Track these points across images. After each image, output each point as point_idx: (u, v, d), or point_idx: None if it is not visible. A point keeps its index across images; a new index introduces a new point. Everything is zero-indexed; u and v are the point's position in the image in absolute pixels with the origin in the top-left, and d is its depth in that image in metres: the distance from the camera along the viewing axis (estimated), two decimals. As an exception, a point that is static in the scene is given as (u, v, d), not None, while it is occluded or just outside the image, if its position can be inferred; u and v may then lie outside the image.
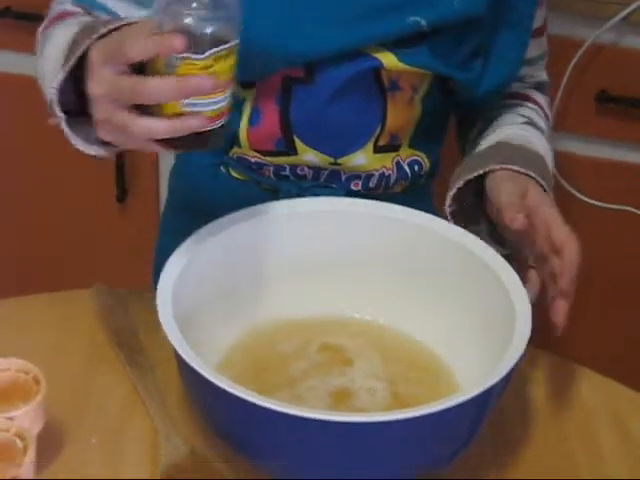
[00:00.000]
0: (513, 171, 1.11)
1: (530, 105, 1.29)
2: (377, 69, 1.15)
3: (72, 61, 0.94)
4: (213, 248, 1.05)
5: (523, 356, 0.93)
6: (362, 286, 1.13)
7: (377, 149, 1.21)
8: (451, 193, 1.13)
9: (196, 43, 0.86)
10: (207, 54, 0.87)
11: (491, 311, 1.03)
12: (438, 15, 1.13)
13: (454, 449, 0.94)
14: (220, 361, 1.05)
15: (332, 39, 1.12)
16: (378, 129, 1.20)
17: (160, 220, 1.42)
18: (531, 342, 0.95)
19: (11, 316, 1.16)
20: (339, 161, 1.21)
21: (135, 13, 1.17)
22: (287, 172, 1.22)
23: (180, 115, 0.89)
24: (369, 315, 1.13)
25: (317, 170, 1.22)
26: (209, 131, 0.91)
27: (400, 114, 1.20)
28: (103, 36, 0.94)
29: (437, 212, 1.13)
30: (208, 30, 0.87)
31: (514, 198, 1.07)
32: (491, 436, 1.02)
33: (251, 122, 1.20)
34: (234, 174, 1.26)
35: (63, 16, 1.13)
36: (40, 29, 1.14)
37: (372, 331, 1.11)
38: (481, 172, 1.12)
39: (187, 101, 0.88)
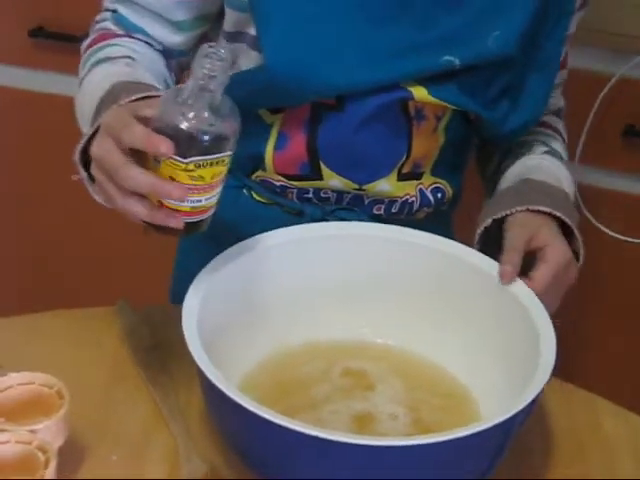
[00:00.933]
0: (539, 212, 1.12)
1: (550, 132, 1.30)
2: (406, 99, 1.16)
3: (92, 130, 0.98)
4: (238, 270, 1.05)
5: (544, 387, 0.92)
6: (385, 311, 1.13)
7: (401, 177, 1.22)
8: (479, 231, 1.14)
9: (184, 146, 0.89)
10: (190, 160, 0.90)
11: (514, 339, 1.03)
12: (472, 55, 1.14)
13: (476, 476, 0.93)
14: (242, 383, 1.05)
15: (368, 74, 1.13)
16: (404, 157, 1.20)
17: (178, 241, 1.42)
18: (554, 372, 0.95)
19: (36, 330, 1.16)
20: (364, 187, 1.21)
21: (173, 38, 1.19)
22: (310, 195, 1.23)
23: (160, 204, 0.92)
24: (392, 340, 1.13)
25: (340, 194, 1.22)
26: (188, 223, 0.94)
27: (424, 143, 1.21)
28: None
29: (457, 238, 1.13)
30: (198, 138, 0.90)
31: (518, 242, 1.08)
32: (512, 465, 1.01)
33: (277, 146, 1.21)
34: (256, 197, 1.26)
35: (105, 37, 1.18)
36: (84, 45, 1.20)
37: (395, 356, 1.11)
38: (508, 213, 1.12)
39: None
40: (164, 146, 0.88)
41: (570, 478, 1.04)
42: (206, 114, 0.90)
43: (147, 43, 1.20)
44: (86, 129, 1.04)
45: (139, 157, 0.92)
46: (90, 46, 1.18)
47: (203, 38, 1.24)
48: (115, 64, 1.13)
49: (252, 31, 1.15)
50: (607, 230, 1.80)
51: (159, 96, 0.97)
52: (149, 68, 1.15)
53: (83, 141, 0.99)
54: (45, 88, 1.92)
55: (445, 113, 1.20)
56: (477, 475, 0.93)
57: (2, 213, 2.11)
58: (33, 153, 2.03)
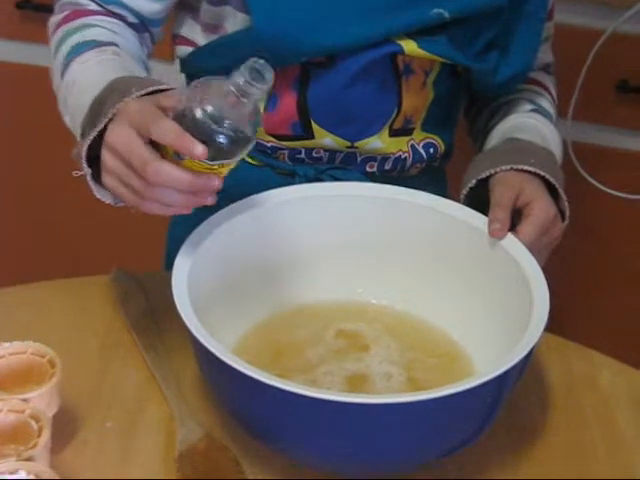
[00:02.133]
0: (523, 171, 1.11)
1: (537, 89, 1.30)
2: (395, 54, 1.15)
3: (101, 125, 0.96)
4: (228, 233, 1.04)
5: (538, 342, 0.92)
6: (379, 272, 1.12)
7: (392, 133, 1.21)
8: (464, 191, 1.13)
9: (211, 151, 0.90)
10: (216, 162, 0.91)
11: (509, 297, 1.02)
12: (461, 6, 1.14)
13: (471, 433, 0.93)
14: (235, 346, 1.05)
15: (358, 31, 1.13)
16: (394, 112, 1.20)
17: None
18: (547, 328, 0.94)
19: (29, 301, 1.16)
20: (356, 145, 1.21)
21: (150, 6, 1.18)
22: (302, 155, 1.22)
23: None
24: (386, 300, 1.12)
25: (333, 152, 1.22)
26: None
27: (414, 97, 1.20)
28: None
29: (451, 193, 1.13)
30: (226, 146, 0.90)
31: (504, 198, 1.08)
32: (508, 421, 1.02)
33: (267, 107, 1.20)
34: (248, 159, 1.25)
35: (79, 14, 1.15)
36: (54, 21, 1.17)
37: (389, 317, 1.11)
38: (492, 172, 1.12)
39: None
40: (199, 149, 0.89)
41: (565, 433, 1.04)
42: (238, 124, 0.90)
43: (122, 19, 1.17)
44: (78, 120, 1.02)
45: (153, 146, 0.92)
46: (63, 23, 1.15)
47: (180, 4, 1.23)
48: (104, 53, 1.10)
49: None
50: (602, 186, 1.79)
51: (172, 88, 0.97)
52: (133, 55, 1.13)
53: (91, 136, 0.97)
54: (34, 60, 1.90)
55: (433, 67, 1.20)
56: (473, 431, 0.93)
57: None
58: (23, 126, 2.02)
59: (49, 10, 1.79)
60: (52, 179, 2.06)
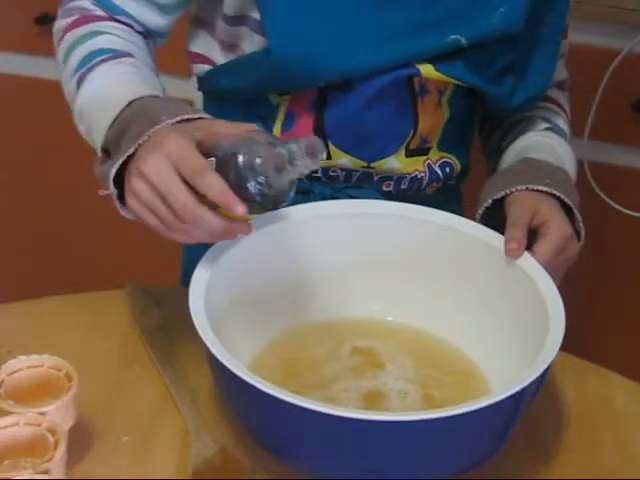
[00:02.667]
0: (538, 191, 1.11)
1: (552, 107, 1.30)
2: (412, 76, 1.16)
3: (130, 150, 0.96)
4: (245, 250, 1.05)
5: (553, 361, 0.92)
6: (395, 289, 1.12)
7: (409, 153, 1.22)
8: (480, 211, 1.14)
9: (249, 208, 0.91)
10: (250, 216, 0.94)
11: (524, 315, 1.02)
12: (478, 33, 1.14)
13: (485, 451, 0.93)
14: (252, 363, 1.05)
15: (375, 57, 1.13)
16: (411, 133, 1.20)
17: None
18: (562, 348, 0.94)
19: (46, 315, 1.17)
20: (372, 165, 1.21)
21: (156, 20, 1.18)
22: (319, 174, 1.22)
23: None
24: (401, 318, 1.13)
25: (349, 172, 1.22)
26: None
27: (430, 117, 1.21)
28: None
29: (467, 212, 1.13)
30: (262, 202, 0.92)
31: (520, 217, 1.08)
32: (523, 440, 1.02)
33: (285, 127, 1.20)
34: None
35: (87, 19, 1.15)
36: (61, 25, 1.16)
37: (404, 334, 1.11)
38: (507, 192, 1.12)
39: None
40: (240, 210, 0.90)
41: (580, 452, 1.04)
42: (278, 186, 0.92)
43: (129, 26, 1.17)
44: (97, 136, 1.03)
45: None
46: (70, 29, 1.15)
47: (195, 21, 1.23)
48: (122, 64, 1.10)
49: (255, 15, 1.15)
50: (618, 206, 1.80)
51: (201, 117, 0.98)
52: (148, 65, 1.14)
53: (120, 161, 0.97)
54: (52, 75, 1.90)
55: (447, 86, 1.20)
56: (488, 450, 0.93)
57: (10, 199, 2.12)
58: (40, 140, 2.03)
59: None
60: (69, 193, 2.07)
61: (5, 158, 2.07)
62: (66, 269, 2.15)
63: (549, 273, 1.03)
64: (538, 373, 0.89)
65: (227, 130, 0.96)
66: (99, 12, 1.16)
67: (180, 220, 0.93)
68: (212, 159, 0.93)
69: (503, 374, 1.02)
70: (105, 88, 1.07)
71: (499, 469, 0.98)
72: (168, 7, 1.18)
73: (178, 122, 0.97)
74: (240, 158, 0.91)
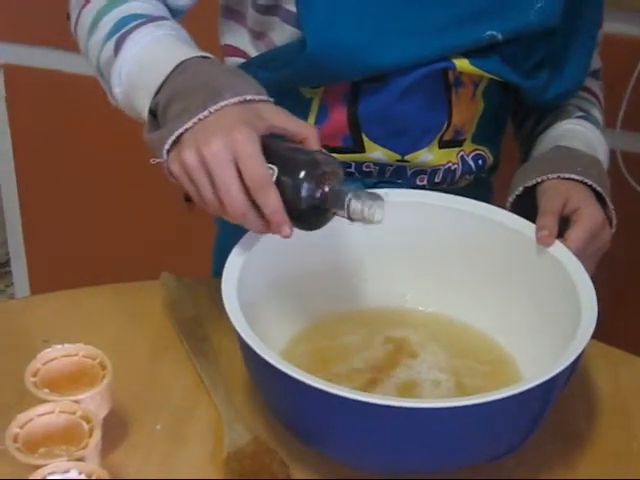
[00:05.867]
0: (570, 179, 1.11)
1: (586, 96, 1.29)
2: (447, 69, 1.16)
3: (189, 123, 0.94)
4: (277, 239, 1.05)
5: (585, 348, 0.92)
6: (426, 279, 1.13)
7: (442, 144, 1.21)
8: (511, 199, 1.14)
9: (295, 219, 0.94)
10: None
11: (556, 303, 1.02)
12: (514, 28, 1.14)
13: (517, 439, 0.93)
14: (283, 352, 1.05)
15: (411, 52, 1.13)
16: (445, 125, 1.20)
17: (217, 219, 1.42)
18: (595, 335, 0.94)
19: (81, 304, 1.18)
20: (406, 158, 1.21)
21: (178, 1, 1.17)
22: (352, 169, 1.22)
23: None
24: (432, 307, 1.13)
25: (382, 166, 1.22)
26: None
27: (464, 110, 1.21)
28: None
29: (498, 205, 1.13)
30: (309, 225, 0.96)
31: (552, 206, 1.08)
32: (555, 429, 1.02)
33: (318, 120, 1.20)
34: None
35: None
36: (77, 2, 1.14)
37: (436, 324, 1.11)
38: (539, 180, 1.12)
39: None
40: (286, 230, 0.93)
41: (614, 442, 1.04)
42: (327, 215, 0.95)
43: None
44: (143, 97, 1.00)
45: None
46: (89, 1, 1.12)
47: (226, 12, 1.23)
48: (161, 27, 1.07)
49: (287, 6, 1.14)
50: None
51: (266, 100, 0.97)
52: (183, 30, 1.11)
53: (178, 132, 0.94)
54: (84, 70, 1.92)
55: (482, 79, 1.20)
56: (519, 438, 0.93)
57: (41, 192, 2.13)
58: (73, 136, 2.04)
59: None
60: (102, 185, 2.09)
61: (37, 151, 2.09)
62: (102, 260, 2.16)
63: (582, 260, 1.03)
64: (569, 361, 0.89)
65: (290, 126, 0.96)
66: None
67: (223, 209, 0.94)
68: (273, 168, 0.93)
69: (535, 363, 1.02)
70: (150, 49, 1.04)
71: (530, 458, 0.99)
72: None
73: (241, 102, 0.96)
74: (304, 189, 0.92)
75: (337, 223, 1.08)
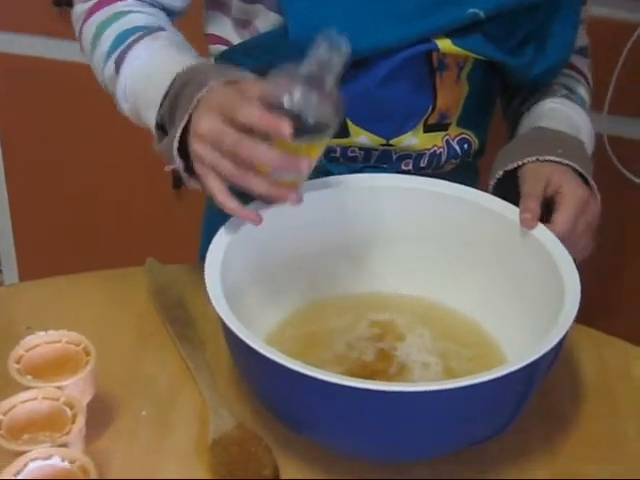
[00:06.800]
0: (550, 161, 1.11)
1: (573, 74, 1.29)
2: (430, 51, 1.15)
3: (184, 119, 0.98)
4: (261, 224, 1.05)
5: (570, 330, 0.92)
6: (410, 262, 1.12)
7: (427, 128, 1.21)
8: (492, 182, 1.13)
9: (297, 128, 0.92)
10: (303, 141, 0.95)
11: (539, 286, 1.02)
12: (496, 5, 1.13)
13: (502, 422, 0.94)
14: (268, 337, 1.05)
15: (394, 34, 1.13)
16: (429, 109, 1.20)
17: (205, 206, 1.43)
18: (579, 318, 0.94)
19: (66, 291, 1.18)
20: (391, 142, 1.21)
21: (175, 1, 1.20)
22: (337, 154, 1.22)
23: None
24: (416, 291, 1.13)
25: (368, 151, 1.22)
26: None
27: (449, 93, 1.20)
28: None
29: (483, 189, 1.13)
30: (311, 121, 0.94)
31: (534, 189, 1.07)
32: (540, 411, 1.02)
33: None
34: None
35: (109, 1, 1.16)
36: (83, 8, 1.17)
37: (420, 307, 1.11)
38: (519, 164, 1.12)
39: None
40: (285, 127, 0.91)
41: (598, 424, 1.04)
42: (317, 99, 0.94)
43: (149, 4, 1.18)
44: (149, 112, 1.05)
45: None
46: (93, 12, 1.16)
47: (210, 2, 1.23)
48: (158, 39, 1.12)
49: None
50: (636, 179, 1.78)
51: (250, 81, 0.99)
52: (177, 34, 1.15)
53: (178, 132, 0.98)
54: (70, 57, 1.92)
55: (467, 61, 1.20)
56: (504, 420, 0.94)
57: (29, 179, 2.13)
58: (59, 122, 2.04)
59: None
60: (88, 173, 2.08)
61: (25, 138, 2.08)
62: (91, 247, 2.16)
63: (576, 239, 1.03)
64: (553, 344, 0.89)
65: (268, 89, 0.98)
66: None
67: (239, 166, 0.94)
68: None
69: (519, 346, 1.02)
70: (148, 65, 1.09)
71: (515, 441, 0.99)
72: None
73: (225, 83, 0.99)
74: (282, 100, 0.93)
75: (322, 209, 1.08)
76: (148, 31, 1.12)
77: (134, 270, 1.20)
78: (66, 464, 0.85)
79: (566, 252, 1.01)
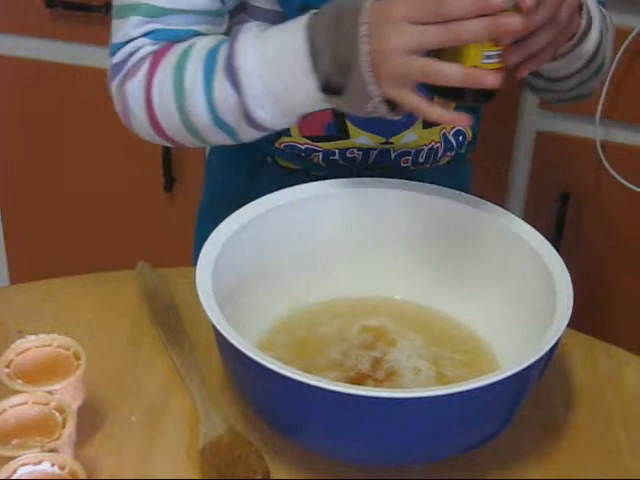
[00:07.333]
0: None
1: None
2: None
3: (363, 31, 0.94)
4: (252, 228, 1.05)
5: (562, 336, 0.92)
6: (402, 267, 1.12)
7: (425, 124, 1.21)
8: None
9: None
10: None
11: (532, 291, 1.02)
12: None
13: (493, 428, 0.93)
14: (259, 343, 1.05)
15: None
16: None
17: (199, 211, 1.42)
18: (571, 324, 0.94)
19: (57, 295, 1.17)
20: (391, 140, 1.21)
21: (220, 29, 1.13)
22: (337, 157, 1.22)
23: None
24: (408, 296, 1.12)
25: (366, 152, 1.22)
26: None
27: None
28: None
29: (474, 181, 1.12)
30: None
31: None
32: (532, 418, 1.02)
33: None
34: (282, 163, 1.25)
35: (164, 52, 1.08)
36: (138, 80, 1.08)
37: (412, 312, 1.11)
38: None
39: (486, 54, 0.93)
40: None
41: (590, 430, 1.04)
42: None
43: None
44: (304, 83, 0.99)
45: None
46: (157, 63, 1.06)
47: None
48: (246, 32, 1.03)
49: (254, 2, 1.14)
50: (633, 186, 1.78)
51: None
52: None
53: (366, 66, 0.94)
54: (64, 59, 1.92)
55: None
56: (495, 427, 0.93)
57: (19, 182, 2.12)
58: (51, 124, 2.03)
59: (78, 8, 1.83)
60: (80, 176, 2.08)
61: (16, 141, 2.07)
62: (77, 250, 2.15)
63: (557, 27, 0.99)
64: (545, 350, 0.89)
65: None
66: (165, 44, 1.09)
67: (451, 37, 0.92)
68: None
69: (512, 351, 1.02)
70: (263, 50, 1.01)
71: (507, 447, 0.98)
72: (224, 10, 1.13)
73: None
74: None
75: (312, 214, 1.08)
76: (225, 39, 1.05)
77: (125, 274, 1.20)
78: (56, 469, 0.85)
79: (559, 258, 1.00)
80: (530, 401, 0.95)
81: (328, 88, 0.99)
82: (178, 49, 1.07)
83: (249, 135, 1.07)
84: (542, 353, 0.89)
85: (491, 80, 0.92)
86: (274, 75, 1.01)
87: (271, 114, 1.03)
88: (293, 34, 0.99)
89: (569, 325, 0.93)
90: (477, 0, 0.90)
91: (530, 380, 0.91)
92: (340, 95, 0.98)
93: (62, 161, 2.08)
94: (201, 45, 1.06)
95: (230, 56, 1.02)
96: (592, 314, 1.18)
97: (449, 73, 0.93)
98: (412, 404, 0.86)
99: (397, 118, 1.00)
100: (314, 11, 1.00)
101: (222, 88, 1.03)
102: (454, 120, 0.99)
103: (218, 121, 1.06)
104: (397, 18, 0.93)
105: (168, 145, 1.14)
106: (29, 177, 2.12)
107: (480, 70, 0.93)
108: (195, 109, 1.06)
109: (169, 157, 1.96)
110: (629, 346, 1.15)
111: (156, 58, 1.07)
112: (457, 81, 0.93)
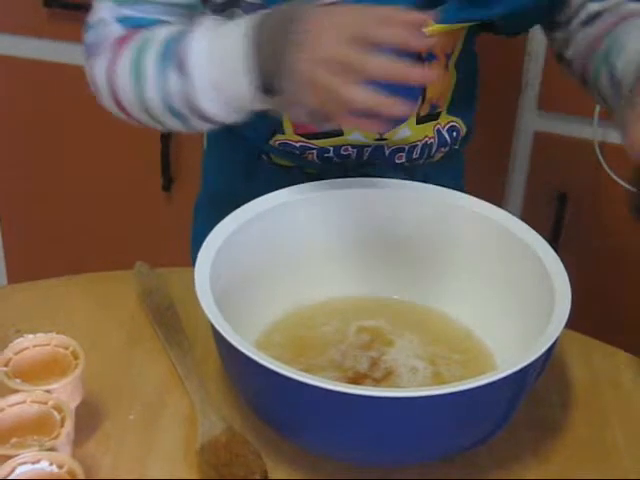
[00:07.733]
0: None
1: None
2: None
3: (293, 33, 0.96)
4: (250, 228, 1.05)
5: (560, 336, 0.92)
6: (399, 267, 1.12)
7: (419, 120, 1.21)
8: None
9: None
10: None
11: (530, 292, 1.02)
12: None
13: (490, 428, 0.93)
14: (258, 342, 1.05)
15: None
16: (419, 100, 1.19)
17: (195, 208, 1.42)
18: (569, 324, 0.94)
19: (55, 294, 1.17)
20: (385, 136, 1.21)
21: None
22: (331, 154, 1.22)
23: None
24: (406, 296, 1.12)
25: (360, 148, 1.22)
26: None
27: (438, 83, 1.20)
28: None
29: (467, 178, 1.12)
30: None
31: None
32: (529, 418, 1.02)
33: None
34: (276, 161, 1.26)
35: (130, 37, 1.10)
36: (102, 64, 1.10)
37: (409, 312, 1.11)
38: None
39: None
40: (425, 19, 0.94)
41: (587, 431, 1.04)
42: None
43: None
44: (245, 80, 1.00)
45: None
46: (117, 59, 1.08)
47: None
48: (204, 26, 1.05)
49: None
50: (632, 188, 1.78)
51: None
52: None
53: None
54: (61, 58, 1.92)
55: (454, 50, 1.19)
56: (493, 426, 0.93)
57: (17, 182, 2.12)
58: (48, 123, 2.03)
59: (76, 8, 1.82)
60: (77, 176, 2.08)
61: (14, 140, 2.07)
62: (75, 250, 2.16)
63: None
64: (543, 350, 0.89)
65: None
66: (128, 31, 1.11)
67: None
68: None
69: (510, 351, 1.02)
70: (212, 46, 1.03)
71: (504, 446, 0.99)
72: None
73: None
74: None
75: (309, 214, 1.08)
76: (185, 29, 1.06)
77: (123, 273, 1.20)
78: (54, 468, 0.85)
79: (557, 258, 1.01)
80: (528, 401, 0.95)
81: (265, 89, 1.00)
82: (141, 36, 1.09)
83: (200, 125, 1.08)
84: (540, 353, 0.89)
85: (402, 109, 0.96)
86: (219, 71, 1.02)
87: (217, 107, 1.04)
88: (239, 33, 1.00)
89: (567, 325, 0.93)
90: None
91: (528, 380, 0.91)
92: (274, 97, 0.99)
93: (60, 161, 2.08)
94: (161, 33, 1.08)
95: (183, 48, 1.04)
96: (589, 314, 1.18)
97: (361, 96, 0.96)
98: (410, 403, 0.86)
99: (327, 128, 1.03)
100: (265, 11, 1.01)
101: (172, 78, 1.05)
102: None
103: (171, 109, 1.07)
104: (319, 33, 0.95)
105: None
106: (26, 177, 2.12)
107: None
108: (151, 97, 1.07)
109: (167, 157, 1.96)
110: (626, 346, 1.15)
111: (120, 44, 1.09)
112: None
